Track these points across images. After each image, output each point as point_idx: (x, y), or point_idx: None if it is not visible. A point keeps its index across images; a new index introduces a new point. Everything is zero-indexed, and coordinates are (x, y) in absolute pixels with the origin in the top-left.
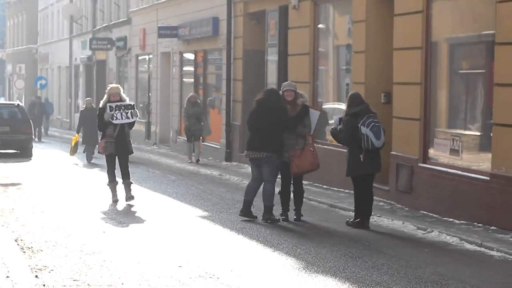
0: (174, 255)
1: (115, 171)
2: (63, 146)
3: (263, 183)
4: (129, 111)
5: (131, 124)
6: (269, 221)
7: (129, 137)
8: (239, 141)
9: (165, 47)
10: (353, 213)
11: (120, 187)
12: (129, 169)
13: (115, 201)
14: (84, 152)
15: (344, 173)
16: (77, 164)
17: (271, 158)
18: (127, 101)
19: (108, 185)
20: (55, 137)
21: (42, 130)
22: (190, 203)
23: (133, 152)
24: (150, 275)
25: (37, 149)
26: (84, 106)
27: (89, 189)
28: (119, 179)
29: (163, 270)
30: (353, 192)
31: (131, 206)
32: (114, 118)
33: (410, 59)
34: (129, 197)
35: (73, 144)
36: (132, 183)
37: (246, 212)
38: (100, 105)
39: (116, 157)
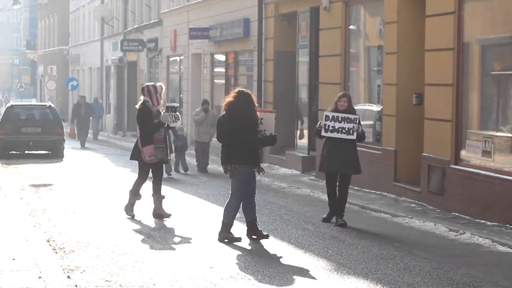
0: (205, 256)
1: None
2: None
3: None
4: (173, 114)
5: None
6: (226, 240)
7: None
8: None
9: (196, 48)
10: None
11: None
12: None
13: (132, 216)
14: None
15: (375, 174)
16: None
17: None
18: (174, 103)
19: (130, 196)
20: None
21: (89, 134)
22: (221, 204)
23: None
24: (182, 276)
25: (68, 150)
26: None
27: (120, 190)
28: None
29: (195, 271)
30: (383, 193)
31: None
32: (172, 120)
33: (441, 61)
34: (166, 214)
35: None
36: (164, 197)
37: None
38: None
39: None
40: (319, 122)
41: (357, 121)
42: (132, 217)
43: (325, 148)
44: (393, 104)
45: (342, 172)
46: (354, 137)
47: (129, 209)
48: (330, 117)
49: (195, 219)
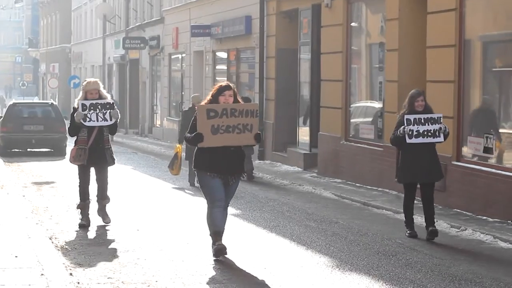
0: (207, 253)
1: (89, 187)
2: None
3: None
4: (107, 111)
5: (113, 129)
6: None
7: (110, 145)
8: (272, 140)
9: (198, 46)
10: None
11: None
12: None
13: (82, 225)
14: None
15: (377, 171)
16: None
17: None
18: (108, 100)
19: (77, 206)
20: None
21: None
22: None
23: (114, 163)
24: (184, 273)
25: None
26: (191, 104)
27: (122, 187)
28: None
29: (197, 268)
30: (385, 190)
31: (164, 204)
32: (88, 119)
33: (443, 57)
34: (106, 222)
35: (178, 159)
36: (108, 202)
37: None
38: (75, 104)
39: (93, 169)
40: (401, 128)
41: (441, 120)
42: (86, 223)
43: (405, 156)
44: (395, 101)
45: (430, 181)
46: (442, 139)
47: (82, 216)
48: (412, 120)
49: (197, 216)
